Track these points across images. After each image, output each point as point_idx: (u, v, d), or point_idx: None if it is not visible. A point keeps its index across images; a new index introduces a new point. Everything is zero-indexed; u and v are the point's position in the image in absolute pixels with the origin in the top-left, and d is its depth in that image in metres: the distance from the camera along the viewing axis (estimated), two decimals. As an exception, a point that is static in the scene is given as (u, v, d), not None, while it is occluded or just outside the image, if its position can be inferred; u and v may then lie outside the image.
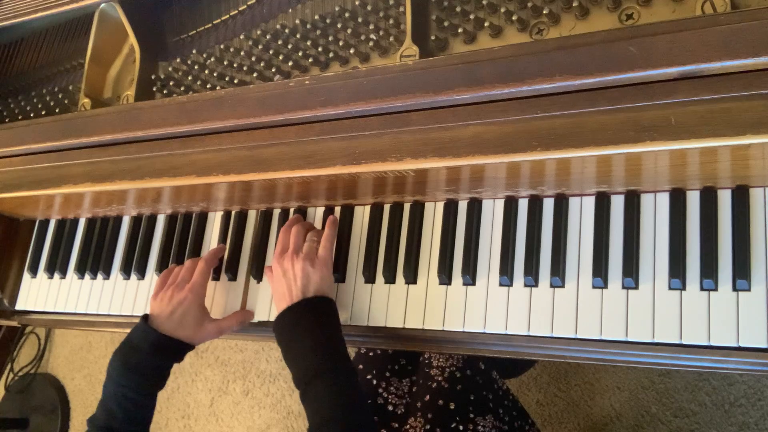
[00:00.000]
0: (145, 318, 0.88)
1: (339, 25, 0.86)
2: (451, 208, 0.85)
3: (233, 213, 1.01)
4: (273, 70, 0.90)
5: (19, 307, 1.19)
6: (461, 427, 0.86)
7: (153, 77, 0.99)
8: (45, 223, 1.21)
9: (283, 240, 0.87)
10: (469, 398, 0.90)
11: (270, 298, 0.94)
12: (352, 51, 0.85)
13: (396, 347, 0.94)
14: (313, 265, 0.83)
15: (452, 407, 0.89)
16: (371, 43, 0.83)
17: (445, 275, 0.82)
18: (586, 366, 1.44)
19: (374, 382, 0.99)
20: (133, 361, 0.84)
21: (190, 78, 0.98)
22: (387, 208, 0.89)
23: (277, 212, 0.98)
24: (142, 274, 1.06)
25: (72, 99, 1.09)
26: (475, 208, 0.83)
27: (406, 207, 0.88)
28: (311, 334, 0.77)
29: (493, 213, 0.83)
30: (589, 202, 0.77)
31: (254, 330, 0.95)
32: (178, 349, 0.88)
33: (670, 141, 0.60)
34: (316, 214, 0.95)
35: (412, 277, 0.85)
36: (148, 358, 0.84)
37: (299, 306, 0.80)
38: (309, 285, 0.81)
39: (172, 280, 0.91)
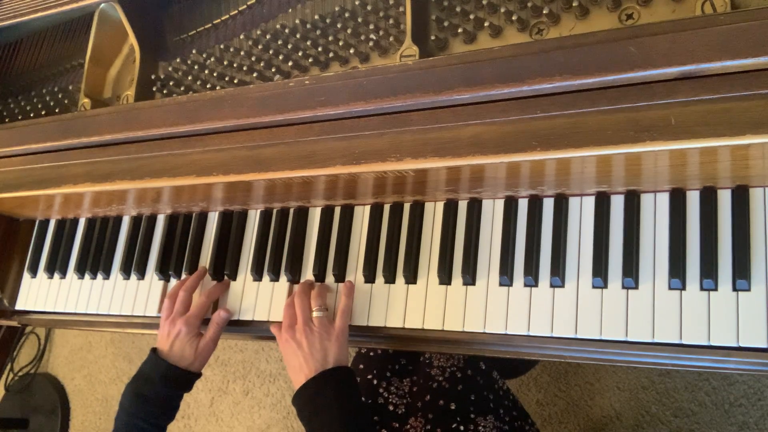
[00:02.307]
0: (155, 349, 0.90)
1: (339, 25, 0.86)
2: (451, 208, 0.85)
3: (233, 213, 1.01)
4: (273, 70, 0.90)
5: (19, 307, 1.19)
6: (462, 428, 0.86)
7: (153, 77, 0.99)
8: (45, 223, 1.21)
9: (288, 313, 0.86)
10: (470, 398, 0.90)
11: (270, 298, 0.94)
12: (352, 51, 0.85)
13: (396, 347, 0.94)
14: (330, 336, 0.82)
15: (453, 407, 0.89)
16: (371, 43, 0.83)
17: (445, 275, 0.82)
18: (586, 366, 1.44)
19: (375, 382, 0.99)
20: (144, 392, 0.86)
21: (190, 78, 0.98)
22: (387, 208, 0.89)
23: (276, 212, 0.98)
24: (142, 274, 1.06)
25: (72, 99, 1.09)
26: (475, 208, 0.83)
27: (406, 207, 0.88)
28: (335, 407, 0.77)
29: (493, 213, 0.83)
30: (589, 202, 0.77)
31: (254, 330, 0.95)
32: (186, 379, 0.90)
33: (670, 141, 0.60)
34: (316, 213, 0.95)
35: (412, 277, 0.85)
36: (157, 389, 0.87)
37: (320, 378, 0.79)
38: (328, 357, 0.80)
39: (168, 313, 0.93)
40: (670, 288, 0.71)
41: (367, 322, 0.86)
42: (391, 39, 0.83)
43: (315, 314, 0.84)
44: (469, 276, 0.81)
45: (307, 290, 0.88)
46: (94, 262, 1.11)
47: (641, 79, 0.61)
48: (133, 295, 1.06)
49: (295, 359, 0.82)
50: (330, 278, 0.91)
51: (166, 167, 0.86)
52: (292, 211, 0.97)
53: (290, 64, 0.87)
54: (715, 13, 0.63)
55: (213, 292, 0.96)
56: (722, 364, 0.69)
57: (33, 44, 1.15)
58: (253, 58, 0.93)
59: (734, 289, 0.68)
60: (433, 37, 0.80)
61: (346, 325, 0.84)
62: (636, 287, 0.73)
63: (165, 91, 0.99)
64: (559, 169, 0.71)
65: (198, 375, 0.92)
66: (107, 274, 1.10)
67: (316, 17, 0.89)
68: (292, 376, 0.83)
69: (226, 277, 0.98)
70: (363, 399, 0.95)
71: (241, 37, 0.95)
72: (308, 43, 0.87)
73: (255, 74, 0.91)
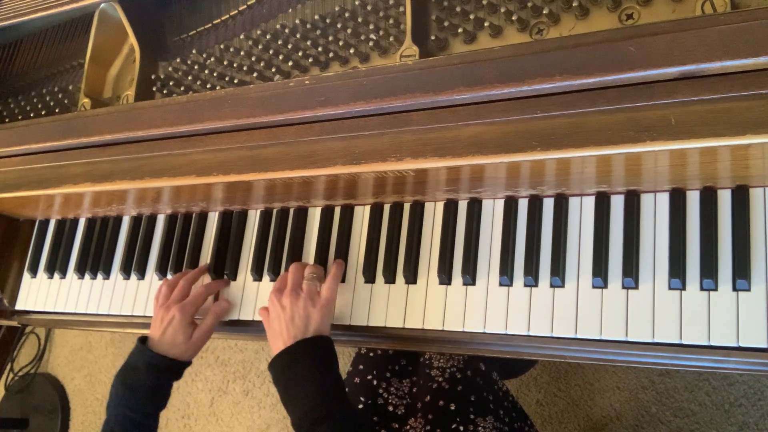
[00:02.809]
0: (143, 339, 0.90)
1: (339, 25, 0.86)
2: (451, 208, 0.85)
3: (233, 213, 1.01)
4: (273, 70, 0.90)
5: (19, 307, 1.19)
6: (462, 428, 0.86)
7: (153, 77, 0.99)
8: (45, 223, 1.21)
9: (281, 278, 0.87)
10: (470, 399, 0.90)
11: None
12: (352, 51, 0.85)
13: (396, 347, 0.94)
14: (315, 304, 0.81)
15: (453, 408, 0.89)
16: (371, 43, 0.83)
17: (445, 275, 0.82)
18: (586, 366, 1.44)
19: (374, 382, 0.99)
20: (131, 382, 0.85)
21: (190, 78, 0.98)
22: (387, 208, 0.89)
23: (276, 212, 0.98)
24: (142, 274, 1.06)
25: (72, 99, 1.09)
26: (475, 208, 0.83)
27: (406, 207, 0.88)
28: (311, 377, 0.76)
29: (493, 213, 0.83)
30: (589, 202, 0.77)
31: (254, 330, 0.95)
32: (173, 368, 0.89)
33: (670, 141, 0.60)
34: (316, 213, 0.95)
35: (412, 277, 0.85)
36: (145, 378, 0.86)
37: (297, 347, 0.78)
38: (309, 325, 0.80)
39: (163, 301, 0.93)
40: (670, 288, 0.71)
41: (367, 322, 0.86)
42: (391, 39, 0.83)
43: (306, 282, 0.84)
44: (469, 276, 0.81)
45: (304, 263, 0.89)
46: (94, 262, 1.11)
47: (641, 79, 0.61)
48: (133, 295, 1.06)
49: (276, 322, 0.81)
50: (330, 278, 0.91)
51: (166, 167, 0.86)
52: (292, 211, 0.97)
53: (290, 64, 0.87)
54: (715, 13, 0.63)
55: (212, 285, 0.96)
56: (722, 364, 0.69)
57: (33, 44, 1.15)
58: (253, 58, 0.93)
59: (734, 289, 0.68)
60: (433, 37, 0.80)
61: (332, 296, 0.84)
62: (636, 287, 0.73)
63: (165, 91, 0.99)
64: (559, 169, 0.71)
65: (188, 363, 0.91)
66: (107, 274, 1.10)
67: (316, 17, 0.89)
68: (271, 341, 0.82)
69: (226, 277, 0.98)
70: (369, 401, 0.95)
71: (241, 37, 0.95)
72: (308, 43, 0.87)
73: (255, 74, 0.91)
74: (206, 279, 1.00)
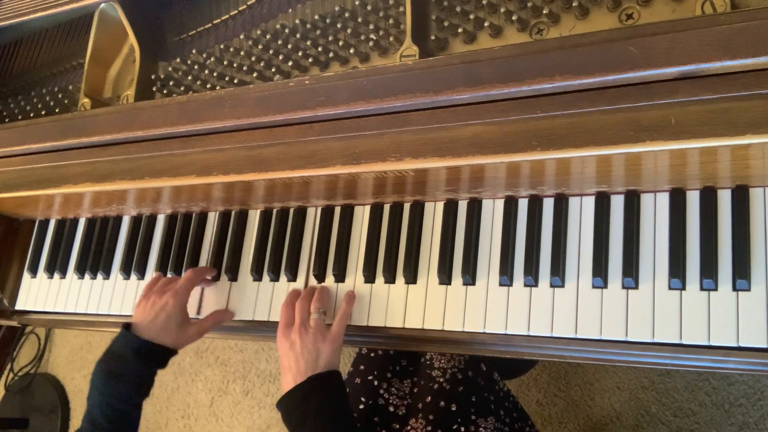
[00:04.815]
0: (127, 326, 0.87)
1: (339, 25, 0.86)
2: (451, 208, 0.85)
3: (233, 213, 1.01)
4: (273, 70, 0.90)
5: (19, 307, 1.19)
6: (462, 429, 0.86)
7: (153, 77, 0.99)
8: (45, 223, 1.21)
9: (286, 313, 0.86)
10: (471, 400, 0.90)
11: (270, 298, 0.94)
12: (352, 51, 0.85)
13: (396, 347, 0.94)
14: (324, 338, 0.81)
15: (454, 408, 0.89)
16: (371, 43, 0.83)
17: (445, 275, 0.82)
18: (586, 366, 1.44)
19: (375, 383, 0.99)
20: (116, 370, 0.83)
21: (190, 78, 0.97)
22: (387, 208, 0.89)
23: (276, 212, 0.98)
24: (142, 274, 1.06)
25: (72, 99, 1.09)
26: (475, 208, 0.83)
27: (406, 207, 0.88)
28: (322, 415, 0.75)
29: (493, 213, 0.83)
30: (589, 202, 0.77)
31: (254, 330, 0.95)
32: (161, 355, 0.87)
33: (670, 141, 0.60)
34: (316, 213, 0.95)
35: (412, 277, 0.85)
36: (131, 366, 0.84)
37: (309, 384, 0.77)
38: (319, 360, 0.79)
39: (153, 285, 0.92)
40: (670, 288, 0.71)
41: (367, 322, 0.86)
42: (391, 39, 0.83)
43: (313, 316, 0.84)
44: (469, 276, 0.81)
45: (309, 295, 0.87)
46: (94, 262, 1.11)
47: (641, 79, 0.61)
48: (133, 295, 1.06)
49: (285, 359, 0.81)
50: (330, 278, 0.91)
51: (166, 167, 0.86)
52: (292, 210, 0.97)
53: (290, 64, 0.87)
54: (715, 13, 0.63)
55: (200, 269, 0.95)
56: (722, 364, 0.69)
57: (33, 44, 1.15)
58: (253, 58, 0.93)
59: (734, 289, 0.68)
60: (433, 37, 0.80)
61: (342, 330, 0.83)
62: (636, 287, 0.73)
63: (165, 91, 0.99)
64: (559, 169, 0.71)
65: (174, 352, 0.89)
66: (107, 274, 1.10)
67: (316, 17, 0.89)
68: (282, 376, 0.81)
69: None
70: (370, 402, 0.95)
71: (241, 37, 0.95)
72: (308, 43, 0.87)
73: (255, 74, 0.91)
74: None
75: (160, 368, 0.88)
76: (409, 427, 0.89)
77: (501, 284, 0.79)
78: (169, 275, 1.03)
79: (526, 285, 0.78)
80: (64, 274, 1.15)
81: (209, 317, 0.93)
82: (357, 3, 0.86)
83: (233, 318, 0.95)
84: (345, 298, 0.87)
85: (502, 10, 0.76)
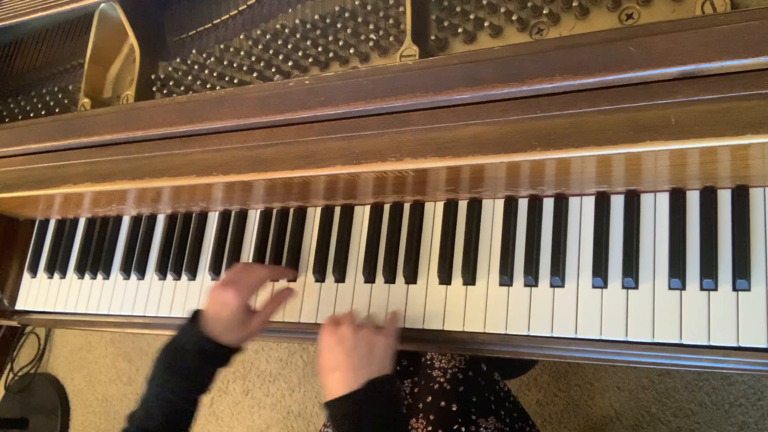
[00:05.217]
0: (194, 316, 0.82)
1: (339, 25, 0.86)
2: (451, 208, 0.85)
3: (233, 213, 1.01)
4: (273, 70, 0.90)
5: (19, 307, 1.19)
6: (463, 429, 0.86)
7: (153, 77, 0.99)
8: (45, 223, 1.21)
9: (332, 316, 0.81)
10: (471, 400, 0.90)
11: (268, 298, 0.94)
12: (352, 51, 0.85)
13: (395, 347, 0.94)
14: (378, 333, 0.75)
15: (454, 408, 0.89)
16: (371, 43, 0.83)
17: (445, 275, 0.82)
18: (586, 366, 1.44)
19: (375, 382, 0.98)
20: (178, 364, 0.79)
21: (190, 78, 0.98)
22: (387, 208, 0.89)
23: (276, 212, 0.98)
24: (141, 274, 1.06)
25: (72, 99, 1.09)
26: (475, 207, 0.83)
27: (406, 207, 0.88)
28: (379, 424, 0.71)
29: (493, 213, 0.83)
30: (589, 202, 0.77)
31: (254, 330, 0.95)
32: (224, 355, 0.82)
33: (670, 141, 0.60)
34: (316, 213, 0.95)
35: (411, 277, 0.85)
36: (193, 363, 0.79)
37: (364, 393, 0.71)
38: (374, 351, 0.74)
39: (224, 277, 0.85)
40: (670, 288, 0.71)
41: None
42: (391, 39, 0.83)
43: (365, 320, 0.80)
44: (469, 276, 0.81)
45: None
46: (94, 262, 1.11)
47: (641, 79, 0.61)
48: (133, 295, 1.06)
49: (331, 355, 0.75)
50: (330, 278, 0.91)
51: (166, 167, 0.86)
52: (292, 211, 0.97)
53: (290, 64, 0.87)
54: (715, 13, 0.63)
55: (275, 268, 0.89)
56: (722, 364, 0.69)
57: (33, 44, 1.15)
58: (253, 58, 0.93)
59: (734, 289, 0.68)
60: (433, 37, 0.80)
61: (395, 329, 0.79)
62: (636, 287, 0.73)
63: (165, 91, 0.99)
64: (559, 169, 0.71)
65: (238, 350, 0.84)
66: (107, 274, 1.10)
67: (316, 17, 0.89)
68: (324, 375, 0.75)
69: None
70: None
71: (241, 37, 0.95)
72: (308, 43, 0.87)
73: (255, 74, 0.91)
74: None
75: (223, 367, 0.83)
76: (409, 427, 0.89)
77: (501, 284, 0.79)
78: (184, 276, 1.02)
79: (526, 285, 0.78)
80: (64, 274, 1.15)
81: (269, 303, 0.86)
82: (357, 3, 0.86)
83: (294, 294, 0.89)
84: (391, 315, 0.83)
85: (502, 10, 0.76)
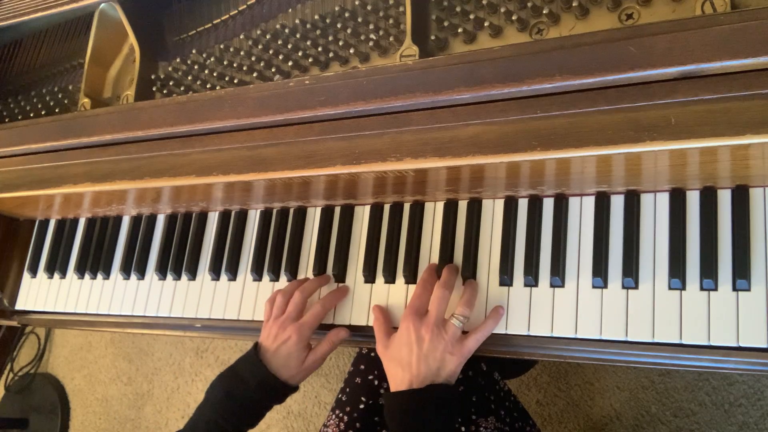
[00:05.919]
0: (256, 347, 0.85)
1: (339, 25, 0.86)
2: (451, 208, 0.85)
3: (233, 213, 1.01)
4: (273, 70, 0.90)
5: (19, 306, 1.19)
6: (463, 429, 0.86)
7: (153, 77, 0.99)
8: (45, 223, 1.21)
9: (420, 297, 0.78)
10: (471, 399, 0.90)
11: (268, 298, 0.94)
12: (352, 51, 0.85)
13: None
14: (454, 351, 0.74)
15: (453, 408, 0.89)
16: (371, 43, 0.83)
17: (445, 275, 0.82)
18: (586, 366, 1.44)
19: (376, 382, 0.98)
20: (236, 393, 0.81)
21: (190, 78, 0.98)
22: (387, 208, 0.89)
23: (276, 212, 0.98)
24: (141, 274, 1.06)
25: (72, 99, 1.09)
26: (475, 207, 0.83)
27: (406, 207, 0.88)
28: (436, 428, 0.72)
29: (493, 213, 0.83)
30: (589, 202, 0.77)
31: (254, 330, 0.95)
32: (282, 391, 0.84)
33: (670, 141, 0.60)
34: (316, 213, 0.95)
35: (412, 277, 0.85)
36: (251, 395, 0.81)
37: (428, 395, 0.72)
38: (441, 372, 0.74)
39: (278, 312, 0.86)
40: (670, 288, 0.71)
41: (367, 322, 0.86)
42: (391, 39, 0.83)
43: (453, 321, 0.76)
44: (470, 276, 0.81)
45: (450, 287, 0.78)
46: (94, 262, 1.11)
47: (641, 79, 0.61)
48: (132, 295, 1.06)
49: (405, 351, 0.74)
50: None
51: (166, 167, 0.86)
52: (292, 210, 0.97)
53: (290, 64, 0.87)
54: (715, 13, 0.63)
55: (330, 300, 0.87)
56: (722, 364, 0.69)
57: (33, 44, 1.15)
58: (253, 58, 0.93)
59: (734, 289, 0.68)
60: (433, 37, 0.80)
61: (475, 348, 0.76)
62: (636, 287, 0.73)
63: (165, 91, 0.99)
64: (559, 169, 0.71)
65: (295, 388, 0.86)
66: (107, 274, 1.10)
67: (316, 17, 0.89)
68: (391, 368, 0.76)
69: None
70: (370, 401, 0.95)
71: (241, 37, 0.95)
72: (308, 43, 0.87)
73: (255, 74, 0.91)
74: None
75: (278, 403, 0.85)
76: (409, 427, 0.89)
77: (501, 284, 0.79)
78: (184, 276, 1.02)
79: (526, 285, 0.78)
80: (64, 274, 1.15)
81: (323, 343, 0.86)
82: (357, 3, 0.86)
83: (347, 335, 0.87)
84: (492, 314, 0.78)
85: (502, 10, 0.76)
